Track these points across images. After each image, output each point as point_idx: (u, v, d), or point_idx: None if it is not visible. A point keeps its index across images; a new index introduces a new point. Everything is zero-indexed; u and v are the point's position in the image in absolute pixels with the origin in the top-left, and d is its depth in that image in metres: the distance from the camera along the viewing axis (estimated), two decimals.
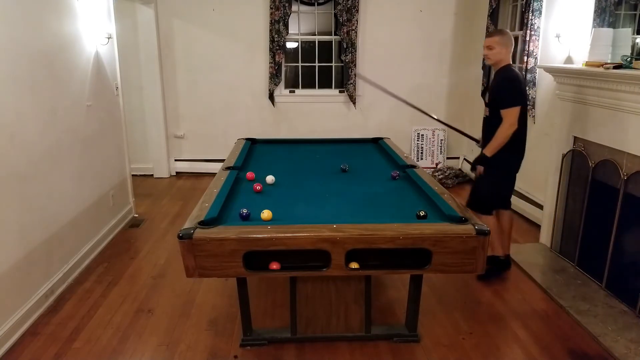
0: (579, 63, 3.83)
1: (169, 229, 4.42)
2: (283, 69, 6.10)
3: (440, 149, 6.34)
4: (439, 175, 5.84)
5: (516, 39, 5.12)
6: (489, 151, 3.18)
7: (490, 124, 3.23)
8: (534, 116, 4.52)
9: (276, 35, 5.80)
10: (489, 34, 3.38)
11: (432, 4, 5.95)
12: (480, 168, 3.26)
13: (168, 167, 6.22)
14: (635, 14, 3.60)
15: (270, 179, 3.00)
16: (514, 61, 5.19)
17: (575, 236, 3.60)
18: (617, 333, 2.77)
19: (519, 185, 4.89)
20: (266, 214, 2.38)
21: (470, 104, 6.17)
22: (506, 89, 3.16)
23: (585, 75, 3.33)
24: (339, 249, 2.20)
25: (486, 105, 3.33)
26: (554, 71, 3.78)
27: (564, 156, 3.69)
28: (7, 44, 2.72)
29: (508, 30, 3.45)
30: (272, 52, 5.86)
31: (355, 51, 5.88)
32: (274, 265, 2.28)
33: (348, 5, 5.73)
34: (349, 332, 2.71)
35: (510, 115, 3.09)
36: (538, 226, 4.20)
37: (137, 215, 4.75)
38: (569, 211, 3.71)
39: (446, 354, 2.64)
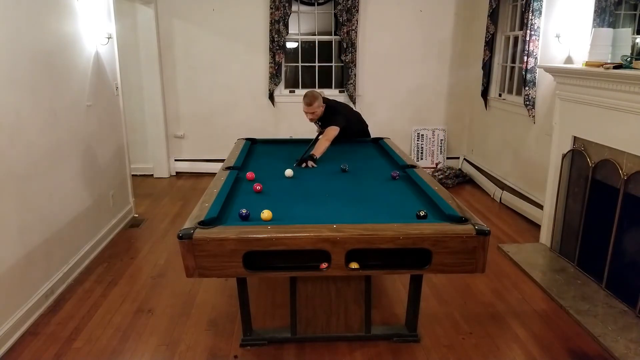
0: (579, 63, 3.83)
1: (169, 229, 4.42)
2: (283, 69, 6.10)
3: (440, 149, 6.34)
4: (439, 175, 5.84)
5: (516, 39, 5.13)
6: (319, 153, 3.67)
7: (347, 135, 4.00)
8: (533, 116, 4.52)
9: (276, 35, 5.80)
10: (306, 101, 3.87)
11: (432, 4, 5.95)
12: (310, 162, 3.66)
13: (168, 167, 6.22)
14: (635, 14, 3.61)
15: (289, 172, 3.17)
16: (513, 61, 5.21)
17: (575, 236, 3.60)
18: (617, 333, 2.77)
19: (518, 185, 4.92)
20: (266, 214, 2.38)
21: (470, 104, 6.18)
22: (337, 114, 3.93)
23: (585, 75, 3.33)
24: (339, 249, 2.20)
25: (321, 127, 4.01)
26: (554, 71, 3.78)
27: (564, 156, 3.69)
28: (7, 44, 2.72)
29: (314, 90, 4.11)
30: (272, 52, 5.87)
31: (355, 51, 5.88)
32: (324, 265, 2.26)
33: (348, 5, 5.73)
34: (349, 332, 2.71)
35: (333, 131, 3.79)
36: (538, 226, 4.20)
37: (137, 215, 4.75)
38: (569, 211, 3.71)
39: (446, 354, 2.64)
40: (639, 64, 2.99)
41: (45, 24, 3.18)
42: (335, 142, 4.40)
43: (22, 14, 2.89)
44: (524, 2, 4.60)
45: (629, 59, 3.08)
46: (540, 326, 2.92)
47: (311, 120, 4.02)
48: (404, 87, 6.18)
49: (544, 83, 4.34)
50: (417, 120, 6.30)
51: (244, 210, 2.38)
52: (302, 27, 6.11)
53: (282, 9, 5.72)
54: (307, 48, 6.21)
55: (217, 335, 2.79)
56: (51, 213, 3.20)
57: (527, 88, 4.47)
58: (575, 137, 3.59)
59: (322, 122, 4.01)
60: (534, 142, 4.64)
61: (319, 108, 3.90)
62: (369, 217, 2.40)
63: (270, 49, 5.87)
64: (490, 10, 5.29)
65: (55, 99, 3.27)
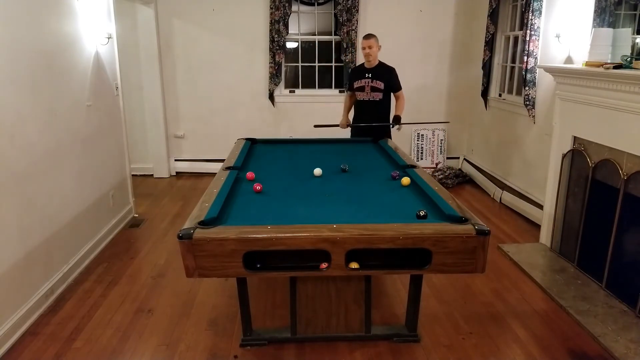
0: (579, 63, 3.83)
1: (169, 229, 4.42)
2: (283, 69, 6.10)
3: (440, 149, 6.34)
4: (439, 175, 5.84)
5: (516, 39, 5.13)
6: (402, 114, 4.50)
7: (382, 105, 4.49)
8: (533, 116, 4.52)
9: (276, 35, 5.80)
10: (366, 37, 4.38)
11: (432, 4, 5.95)
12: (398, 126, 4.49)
13: (168, 167, 6.22)
14: (635, 14, 3.61)
15: (317, 171, 3.15)
16: (513, 61, 5.21)
17: (575, 236, 3.60)
18: (617, 333, 2.77)
19: (518, 185, 4.92)
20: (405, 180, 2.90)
21: (470, 104, 6.18)
22: (397, 77, 4.48)
23: (585, 75, 3.33)
24: (339, 249, 2.20)
25: (376, 91, 4.44)
26: (554, 71, 3.78)
27: (564, 156, 3.69)
28: (7, 44, 2.72)
29: None
30: (272, 52, 5.87)
31: (355, 51, 5.87)
32: (323, 265, 2.26)
33: (348, 5, 5.73)
34: (349, 332, 2.71)
35: (403, 93, 4.55)
36: (538, 226, 4.20)
37: (137, 215, 4.75)
38: (569, 211, 3.71)
39: (446, 354, 2.65)
40: (639, 64, 2.99)
41: (45, 24, 3.18)
42: (336, 141, 4.42)
43: (22, 14, 2.89)
44: (524, 2, 4.60)
45: (629, 59, 3.08)
46: (540, 326, 2.92)
47: (367, 55, 4.38)
48: (404, 87, 6.13)
49: (544, 83, 4.34)
50: (417, 120, 6.28)
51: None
52: (302, 27, 6.11)
53: (282, 9, 5.72)
54: (307, 48, 6.21)
55: (217, 335, 2.79)
56: (51, 213, 3.20)
57: (527, 88, 4.47)
58: (575, 137, 3.59)
59: (373, 74, 4.43)
60: (534, 142, 4.64)
61: (376, 45, 4.36)
62: (369, 217, 2.40)
63: (270, 49, 5.87)
64: (490, 10, 5.29)
65: (55, 99, 3.27)
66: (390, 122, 4.50)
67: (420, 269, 2.32)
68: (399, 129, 4.48)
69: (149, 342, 2.73)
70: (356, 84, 4.50)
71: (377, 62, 4.44)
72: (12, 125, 2.75)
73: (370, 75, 4.42)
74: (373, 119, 4.49)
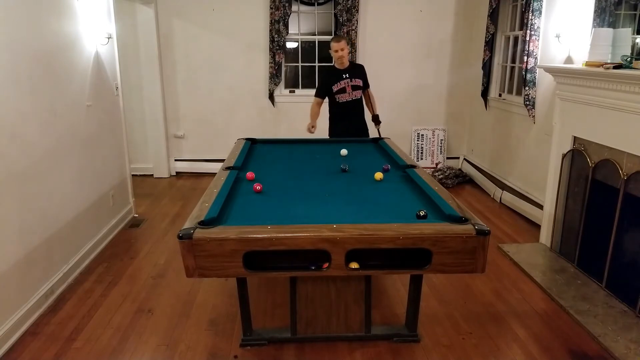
0: (579, 63, 3.83)
1: (169, 229, 4.42)
2: (283, 69, 6.10)
3: (440, 149, 6.34)
4: (439, 175, 5.84)
5: (516, 39, 5.13)
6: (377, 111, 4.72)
7: (361, 103, 4.56)
8: (533, 116, 4.52)
9: (276, 35, 5.80)
10: (335, 39, 4.36)
11: (432, 4, 5.95)
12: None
13: (168, 167, 6.22)
14: (635, 14, 3.61)
15: (343, 151, 3.66)
16: (513, 61, 5.21)
17: (575, 236, 3.60)
18: (617, 333, 2.77)
19: (518, 185, 4.92)
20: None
21: (470, 104, 6.18)
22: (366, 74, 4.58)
23: (585, 75, 3.33)
24: (339, 249, 2.19)
25: (357, 89, 4.47)
26: (554, 71, 3.78)
27: (564, 156, 3.69)
28: (7, 44, 2.72)
29: None
30: (272, 52, 5.87)
31: (355, 51, 5.88)
32: (325, 265, 2.26)
33: (348, 5, 5.73)
34: (349, 332, 2.71)
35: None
36: (538, 226, 4.20)
37: (137, 215, 4.75)
38: (569, 211, 3.71)
39: (446, 354, 2.65)
40: (639, 64, 2.99)
41: (45, 24, 3.18)
42: (336, 141, 4.43)
43: (22, 14, 2.89)
44: (524, 2, 4.60)
45: (629, 59, 3.08)
46: (540, 326, 2.92)
47: (340, 58, 4.33)
48: (404, 87, 6.18)
49: (544, 83, 4.34)
50: (417, 120, 6.30)
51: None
52: (302, 27, 6.11)
53: (282, 9, 5.72)
54: (307, 48, 6.21)
55: (217, 335, 2.80)
56: (51, 213, 3.20)
57: (527, 88, 4.47)
58: (575, 137, 3.59)
59: (350, 74, 4.43)
60: (534, 142, 4.64)
61: (347, 47, 4.38)
62: (369, 217, 2.40)
63: (270, 49, 5.87)
64: (490, 10, 5.29)
65: (55, 99, 3.27)
66: (372, 121, 4.62)
67: (420, 269, 2.32)
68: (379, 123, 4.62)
69: (149, 342, 2.73)
70: (335, 87, 4.40)
71: (348, 63, 4.44)
72: (12, 125, 2.75)
73: (347, 76, 4.39)
74: (356, 118, 4.53)
